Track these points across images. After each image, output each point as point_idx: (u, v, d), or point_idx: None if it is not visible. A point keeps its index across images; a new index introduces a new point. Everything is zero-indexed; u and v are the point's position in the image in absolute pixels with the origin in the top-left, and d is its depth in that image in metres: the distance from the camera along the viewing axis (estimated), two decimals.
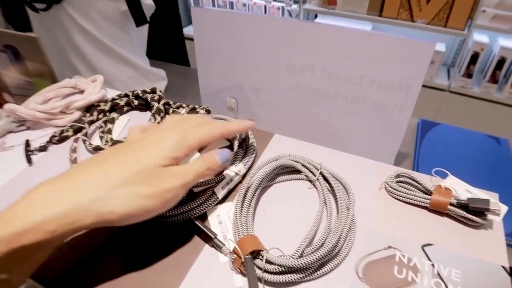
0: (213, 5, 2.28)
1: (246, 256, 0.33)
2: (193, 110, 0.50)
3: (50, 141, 0.49)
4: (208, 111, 0.50)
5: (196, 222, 0.37)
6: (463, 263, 0.36)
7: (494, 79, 1.77)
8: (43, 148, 0.48)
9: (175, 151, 0.34)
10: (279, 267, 0.33)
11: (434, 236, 0.38)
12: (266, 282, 0.33)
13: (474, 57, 1.75)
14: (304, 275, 0.33)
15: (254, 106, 0.80)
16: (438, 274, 0.35)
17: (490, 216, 0.39)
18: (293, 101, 0.75)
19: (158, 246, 0.37)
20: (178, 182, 0.33)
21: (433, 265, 0.36)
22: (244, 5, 2.20)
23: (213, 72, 0.80)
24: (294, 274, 0.33)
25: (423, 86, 0.57)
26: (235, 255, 0.34)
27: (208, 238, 0.37)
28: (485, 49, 1.73)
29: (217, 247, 0.36)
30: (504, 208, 0.39)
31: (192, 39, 0.76)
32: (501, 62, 1.71)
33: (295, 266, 0.33)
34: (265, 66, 0.73)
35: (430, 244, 0.37)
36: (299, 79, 0.72)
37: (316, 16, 2.09)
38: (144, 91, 0.55)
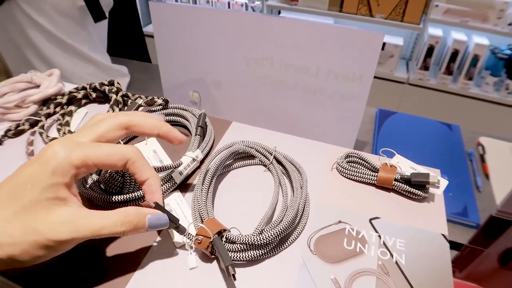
0: (176, 0, 2.26)
1: (214, 236, 0.34)
2: (151, 101, 0.50)
3: (5, 135, 0.48)
4: (166, 101, 0.50)
5: (159, 208, 0.37)
6: (407, 233, 0.39)
7: (449, 71, 1.86)
8: None
9: (56, 174, 0.28)
10: (241, 245, 0.34)
11: (381, 210, 0.41)
12: None
13: (430, 50, 1.84)
14: (264, 252, 0.35)
15: (216, 99, 0.81)
16: (384, 244, 0.38)
17: (431, 190, 0.42)
18: (254, 93, 0.76)
19: None
20: (68, 235, 0.27)
21: (379, 236, 0.38)
22: (208, 1, 2.20)
23: (174, 67, 0.80)
24: (256, 251, 0.34)
25: (385, 79, 0.60)
26: (201, 237, 0.35)
27: (172, 223, 0.37)
28: (439, 42, 1.81)
29: (180, 231, 0.37)
30: (444, 182, 0.42)
31: (153, 36, 0.76)
32: (454, 54, 1.80)
33: (256, 242, 0.34)
34: (226, 59, 0.74)
35: (377, 218, 0.40)
36: (260, 72, 0.73)
37: (279, 12, 2.12)
38: (102, 84, 0.55)
